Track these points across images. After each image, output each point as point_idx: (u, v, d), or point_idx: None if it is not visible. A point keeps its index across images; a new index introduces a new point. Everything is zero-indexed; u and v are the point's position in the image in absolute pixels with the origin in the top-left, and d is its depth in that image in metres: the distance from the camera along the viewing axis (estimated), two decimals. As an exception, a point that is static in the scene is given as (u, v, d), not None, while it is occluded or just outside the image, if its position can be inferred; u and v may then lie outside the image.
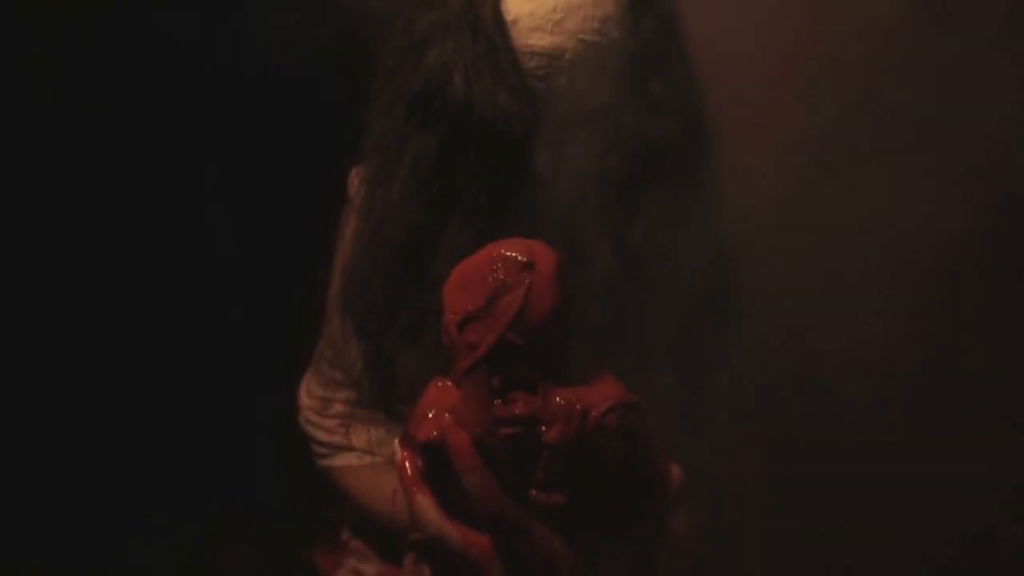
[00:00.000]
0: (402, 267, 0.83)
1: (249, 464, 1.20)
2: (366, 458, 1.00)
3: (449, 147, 0.81)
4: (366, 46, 0.89)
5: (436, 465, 0.61)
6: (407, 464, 0.64)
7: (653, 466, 0.63)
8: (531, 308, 0.59)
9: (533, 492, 0.61)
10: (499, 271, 0.60)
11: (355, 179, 0.96)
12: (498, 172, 0.79)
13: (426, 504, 0.62)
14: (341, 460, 1.01)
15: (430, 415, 0.62)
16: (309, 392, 1.04)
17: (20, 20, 1.08)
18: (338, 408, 1.02)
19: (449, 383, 0.63)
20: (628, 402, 0.61)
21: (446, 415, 0.61)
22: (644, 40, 0.82)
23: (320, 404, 1.03)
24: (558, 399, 0.60)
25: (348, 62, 0.94)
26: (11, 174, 1.11)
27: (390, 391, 0.88)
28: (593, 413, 0.60)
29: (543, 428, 0.60)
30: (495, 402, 0.60)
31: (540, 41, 0.79)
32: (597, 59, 0.80)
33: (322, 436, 1.02)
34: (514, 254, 0.60)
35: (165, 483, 1.19)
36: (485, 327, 0.60)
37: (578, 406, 0.60)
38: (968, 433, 0.92)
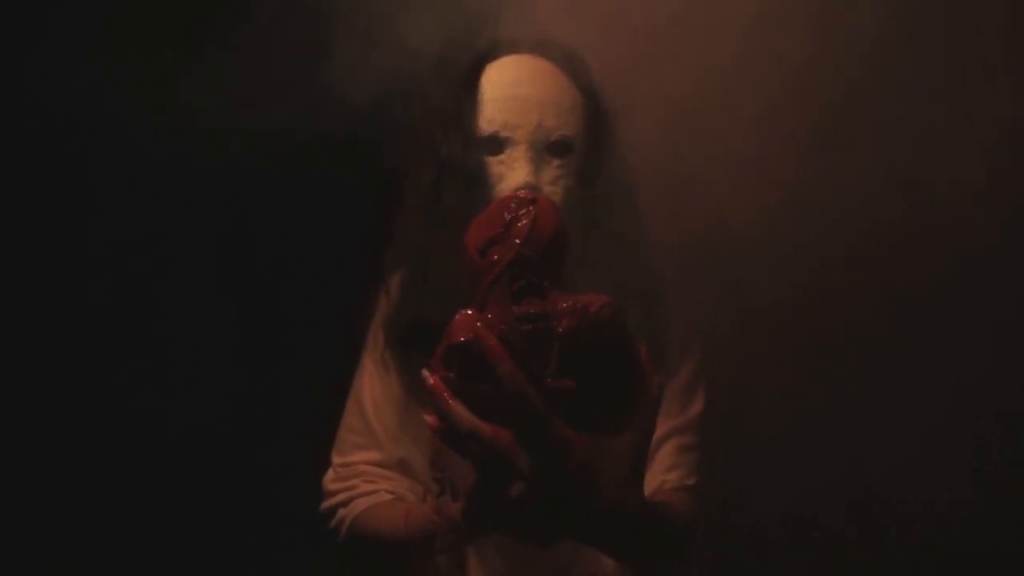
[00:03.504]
0: (422, 261, 1.12)
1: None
2: (382, 496, 1.11)
3: (440, 178, 1.10)
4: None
5: (467, 366, 0.75)
6: (439, 381, 0.77)
7: (639, 364, 0.79)
8: (539, 229, 0.78)
9: (548, 380, 0.76)
10: (511, 206, 0.79)
11: (389, 269, 1.20)
12: (472, 190, 1.07)
13: (459, 408, 0.75)
14: (359, 506, 1.11)
15: (462, 326, 0.77)
16: (333, 466, 1.16)
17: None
18: (361, 468, 1.14)
19: (471, 309, 0.79)
20: (616, 302, 0.78)
21: (476, 323, 0.76)
22: (593, 104, 1.10)
23: (343, 471, 1.15)
24: (564, 301, 0.77)
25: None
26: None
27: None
28: (592, 308, 0.76)
29: (555, 323, 0.76)
30: (514, 307, 0.76)
31: (519, 90, 1.06)
32: (558, 104, 1.06)
33: (343, 496, 1.12)
34: (520, 194, 0.80)
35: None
36: (504, 247, 0.77)
37: (580, 304, 0.76)
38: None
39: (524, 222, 0.78)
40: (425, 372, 0.78)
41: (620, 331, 0.77)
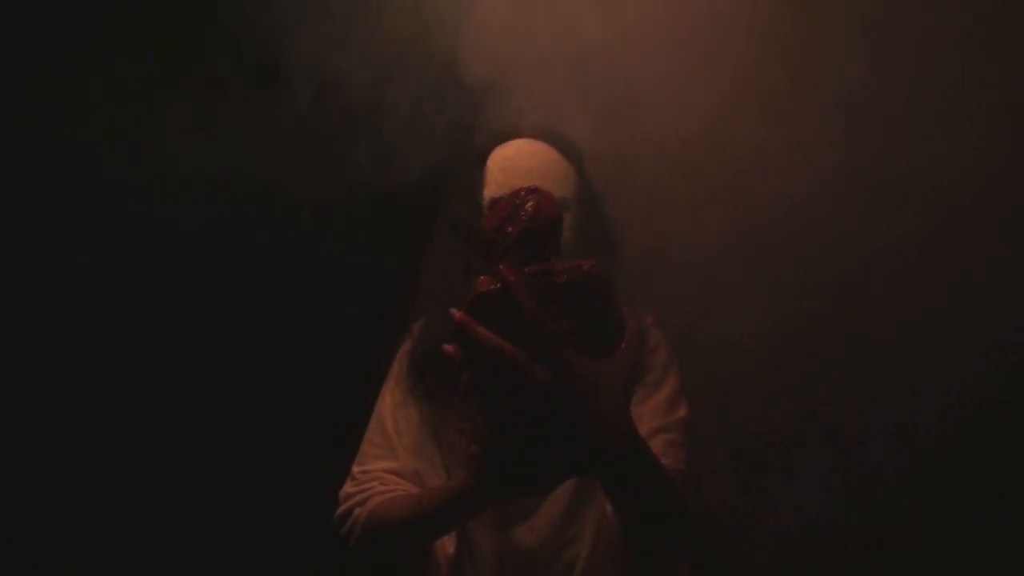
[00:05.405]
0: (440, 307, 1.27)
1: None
2: (396, 491, 1.25)
3: (455, 239, 1.34)
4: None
5: (489, 314, 0.95)
6: (465, 314, 0.95)
7: (620, 314, 0.99)
8: (542, 210, 1.00)
9: (552, 322, 0.96)
10: (520, 194, 1.02)
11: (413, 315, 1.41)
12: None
13: (484, 331, 0.93)
14: (375, 501, 1.24)
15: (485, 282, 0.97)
16: (351, 474, 1.31)
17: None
18: (378, 474, 1.29)
19: (487, 276, 1.00)
20: (602, 263, 0.99)
21: (495, 280, 0.97)
22: (582, 175, 1.36)
23: (361, 477, 1.29)
24: (562, 263, 0.98)
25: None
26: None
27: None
28: (584, 267, 0.97)
29: (555, 279, 0.97)
30: (524, 268, 0.98)
31: (521, 162, 1.32)
32: (554, 173, 1.32)
33: (358, 498, 1.26)
34: (525, 187, 1.03)
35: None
36: (515, 223, 0.99)
37: (575, 264, 0.98)
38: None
39: (530, 204, 1.01)
40: (452, 310, 0.96)
41: (606, 285, 0.98)
